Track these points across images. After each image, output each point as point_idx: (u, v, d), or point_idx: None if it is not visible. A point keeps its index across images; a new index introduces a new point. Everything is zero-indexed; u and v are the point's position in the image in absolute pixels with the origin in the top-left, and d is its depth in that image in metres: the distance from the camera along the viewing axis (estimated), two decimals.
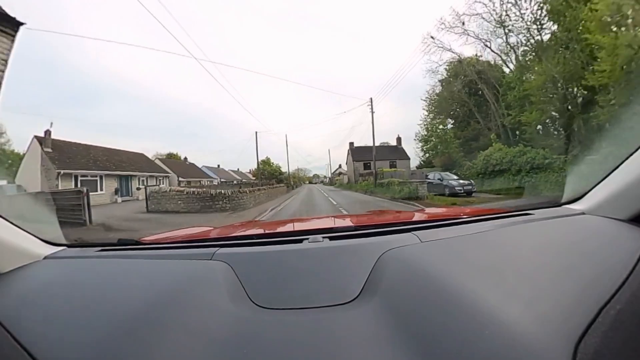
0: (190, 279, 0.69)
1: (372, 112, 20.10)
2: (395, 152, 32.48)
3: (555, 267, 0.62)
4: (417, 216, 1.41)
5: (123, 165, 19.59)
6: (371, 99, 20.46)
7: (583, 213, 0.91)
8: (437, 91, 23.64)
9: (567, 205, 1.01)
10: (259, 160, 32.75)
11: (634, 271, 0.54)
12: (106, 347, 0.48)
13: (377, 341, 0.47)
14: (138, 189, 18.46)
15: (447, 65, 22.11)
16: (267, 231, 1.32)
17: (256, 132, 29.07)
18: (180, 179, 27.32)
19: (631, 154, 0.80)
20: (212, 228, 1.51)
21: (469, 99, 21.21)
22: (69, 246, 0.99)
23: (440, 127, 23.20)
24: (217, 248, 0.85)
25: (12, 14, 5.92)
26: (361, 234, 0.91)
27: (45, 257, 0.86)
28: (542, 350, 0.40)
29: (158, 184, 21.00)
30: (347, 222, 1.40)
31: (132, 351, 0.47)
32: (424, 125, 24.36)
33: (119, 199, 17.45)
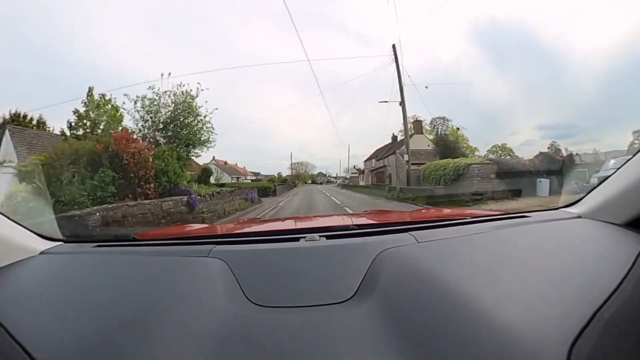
0: (186, 276, 0.69)
1: None
2: None
3: (550, 270, 0.62)
4: (414, 216, 1.41)
5: None
6: None
7: (579, 217, 0.92)
8: None
9: (564, 209, 1.02)
10: None
11: (628, 275, 0.54)
12: (101, 343, 0.48)
13: (372, 340, 0.47)
14: None
15: None
16: (264, 229, 1.32)
17: None
18: None
19: (628, 160, 0.80)
20: (209, 225, 1.51)
21: None
22: (65, 241, 0.99)
23: None
24: (214, 245, 0.85)
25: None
26: (358, 234, 0.91)
27: (41, 252, 0.86)
28: (537, 353, 0.41)
29: None
30: (345, 222, 1.40)
31: (127, 347, 0.47)
32: None
33: None
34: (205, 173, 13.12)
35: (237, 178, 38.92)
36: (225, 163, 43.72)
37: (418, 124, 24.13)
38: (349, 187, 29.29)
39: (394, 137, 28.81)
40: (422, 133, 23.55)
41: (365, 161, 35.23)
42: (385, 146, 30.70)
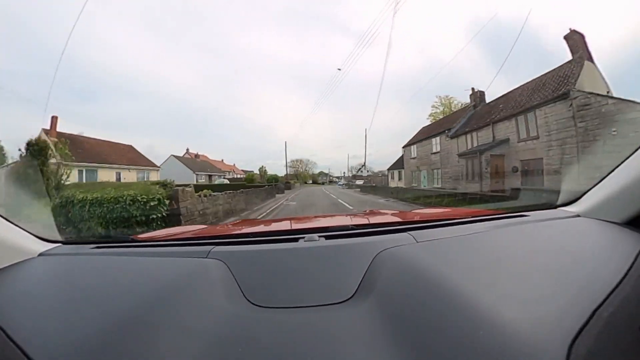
0: (185, 277, 0.69)
1: None
2: None
3: (549, 269, 0.62)
4: (413, 216, 1.41)
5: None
6: None
7: (578, 215, 0.92)
8: None
9: (562, 208, 1.02)
10: None
11: (627, 274, 0.54)
12: (100, 344, 0.48)
13: (372, 340, 0.47)
14: None
15: None
16: (263, 230, 1.31)
17: None
18: None
19: (626, 158, 0.80)
20: (207, 226, 1.51)
21: None
22: (64, 243, 0.98)
23: None
24: (213, 246, 0.84)
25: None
26: (357, 234, 0.91)
27: (40, 254, 0.86)
28: (536, 352, 0.41)
29: None
30: (344, 222, 1.40)
31: (126, 348, 0.47)
32: None
33: None
34: (34, 152, 6.71)
35: (210, 177, 31.32)
36: (197, 156, 35.08)
37: (580, 37, 10.41)
38: (395, 195, 14.42)
39: (478, 93, 15.86)
40: (592, 59, 10.67)
41: (406, 146, 19.39)
42: (460, 110, 16.19)
